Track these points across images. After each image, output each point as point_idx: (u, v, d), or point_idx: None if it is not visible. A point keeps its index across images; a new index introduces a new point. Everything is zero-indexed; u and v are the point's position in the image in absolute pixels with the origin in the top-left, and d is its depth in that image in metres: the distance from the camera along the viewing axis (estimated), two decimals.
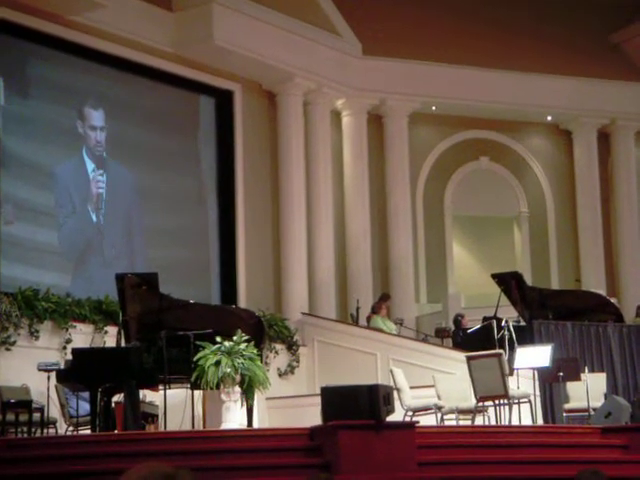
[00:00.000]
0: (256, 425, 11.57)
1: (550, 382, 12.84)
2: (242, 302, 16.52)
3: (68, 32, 15.06)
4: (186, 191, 16.95)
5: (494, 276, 14.83)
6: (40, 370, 11.79)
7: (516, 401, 12.23)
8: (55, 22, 14.88)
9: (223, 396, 10.84)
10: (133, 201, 16.30)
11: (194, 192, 17.17)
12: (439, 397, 12.47)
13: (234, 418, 10.88)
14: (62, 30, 14.99)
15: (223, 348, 10.85)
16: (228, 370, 10.71)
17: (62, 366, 11.94)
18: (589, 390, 12.09)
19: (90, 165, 15.68)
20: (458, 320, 16.02)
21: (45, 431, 11.85)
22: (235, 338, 11.00)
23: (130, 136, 16.17)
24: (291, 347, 16.31)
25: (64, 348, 13.25)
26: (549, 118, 20.67)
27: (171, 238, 16.48)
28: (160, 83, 16.58)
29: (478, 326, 14.60)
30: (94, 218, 15.64)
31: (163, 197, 16.51)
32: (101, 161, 15.78)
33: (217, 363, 10.75)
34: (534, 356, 12.38)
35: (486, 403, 12.23)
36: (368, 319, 16.68)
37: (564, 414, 12.85)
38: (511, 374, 12.38)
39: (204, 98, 17.46)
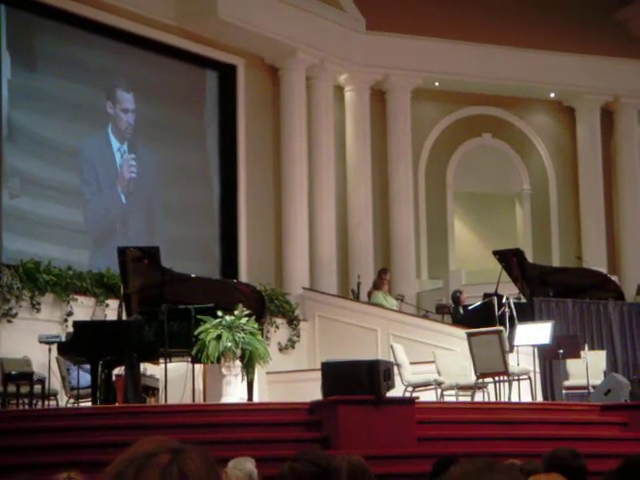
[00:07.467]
0: (256, 399, 11.61)
1: (550, 359, 12.87)
2: (243, 277, 16.52)
3: (72, 5, 14.99)
4: (193, 167, 16.89)
5: (495, 253, 14.84)
6: (41, 342, 11.83)
7: (516, 378, 12.26)
8: None
9: (224, 370, 10.87)
10: (154, 181, 16.31)
11: (201, 167, 17.13)
12: (439, 373, 12.50)
13: (234, 392, 10.92)
14: (67, 3, 14.93)
15: (224, 322, 10.87)
16: (229, 344, 10.73)
17: (63, 338, 11.99)
18: (589, 367, 12.12)
19: (115, 144, 15.68)
20: (456, 296, 16.03)
21: (46, 403, 11.90)
22: (236, 312, 11.02)
23: (144, 113, 16.12)
24: (292, 322, 16.32)
25: (65, 321, 13.28)
26: (552, 95, 20.59)
27: (176, 214, 16.45)
28: (165, 57, 16.49)
29: (479, 303, 14.62)
30: (123, 200, 15.67)
31: (172, 173, 16.48)
32: (130, 143, 15.78)
33: (218, 337, 10.78)
34: (534, 333, 12.41)
35: (486, 380, 12.26)
36: (369, 294, 16.69)
37: (564, 391, 12.89)
38: (511, 351, 12.40)
39: (210, 73, 17.38)
